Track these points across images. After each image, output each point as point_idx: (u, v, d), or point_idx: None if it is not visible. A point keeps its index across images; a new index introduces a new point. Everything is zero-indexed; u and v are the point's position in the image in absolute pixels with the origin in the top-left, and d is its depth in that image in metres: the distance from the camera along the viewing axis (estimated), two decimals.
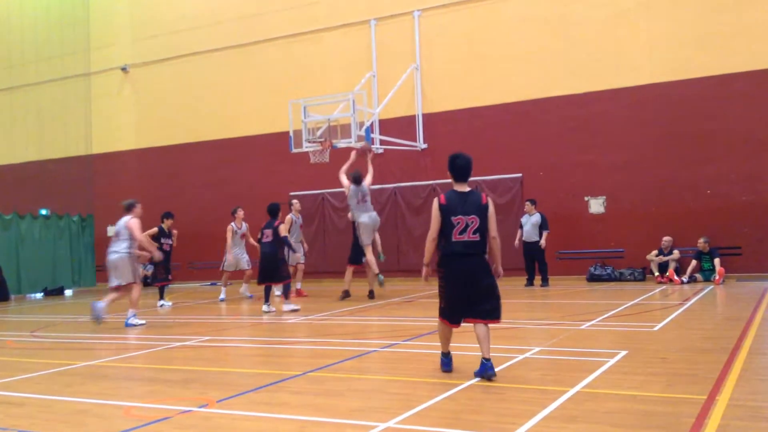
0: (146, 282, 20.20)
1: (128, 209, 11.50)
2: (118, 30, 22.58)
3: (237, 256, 15.02)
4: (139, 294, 11.18)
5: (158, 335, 9.90)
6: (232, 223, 15.02)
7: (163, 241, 14.27)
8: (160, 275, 14.55)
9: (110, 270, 11.09)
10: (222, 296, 14.97)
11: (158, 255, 12.11)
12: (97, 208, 22.13)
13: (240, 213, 15.08)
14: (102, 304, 10.66)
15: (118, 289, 11.02)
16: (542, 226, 14.85)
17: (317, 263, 18.02)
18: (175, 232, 14.92)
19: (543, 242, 14.77)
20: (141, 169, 21.96)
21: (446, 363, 6.24)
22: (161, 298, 14.46)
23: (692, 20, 15.12)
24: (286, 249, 12.53)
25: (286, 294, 12.29)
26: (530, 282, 14.99)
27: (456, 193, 6.18)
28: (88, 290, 20.96)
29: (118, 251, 11.03)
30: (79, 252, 21.05)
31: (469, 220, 6.03)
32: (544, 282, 14.76)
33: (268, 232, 12.35)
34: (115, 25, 22.68)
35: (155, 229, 14.27)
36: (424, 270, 6.29)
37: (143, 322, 11.07)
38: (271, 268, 12.19)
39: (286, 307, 11.98)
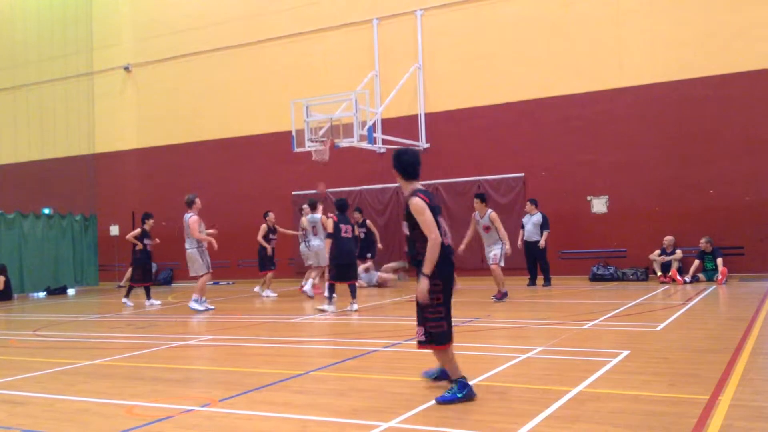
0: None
1: (189, 205, 12.83)
2: (121, 29, 22.61)
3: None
4: (203, 283, 12.85)
5: (160, 334, 9.91)
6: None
7: (146, 242, 14.56)
8: (137, 276, 14.68)
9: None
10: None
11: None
12: (100, 207, 22.17)
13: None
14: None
15: (196, 278, 12.98)
16: (543, 226, 14.67)
17: None
18: (157, 241, 15.15)
19: (542, 242, 14.59)
20: (143, 168, 21.99)
21: (471, 389, 5.15)
22: (127, 296, 14.70)
23: (694, 20, 15.09)
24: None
25: (354, 293, 11.60)
26: (532, 281, 14.93)
27: (429, 192, 5.37)
28: (90, 289, 20.99)
29: (187, 247, 12.85)
30: (81, 251, 21.06)
31: (443, 221, 5.35)
32: (546, 282, 14.71)
33: (347, 227, 11.80)
34: (117, 24, 22.70)
35: (138, 231, 14.60)
36: (429, 286, 5.02)
37: (203, 308, 12.61)
38: (355, 266, 11.94)
39: (354, 306, 11.42)
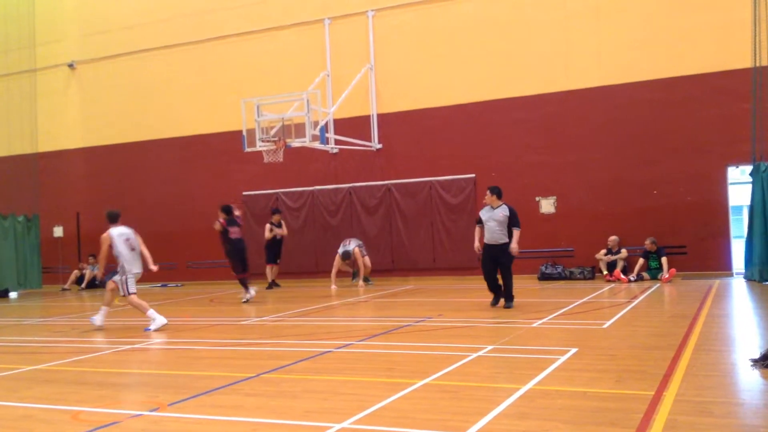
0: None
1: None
2: (65, 25, 21.98)
3: None
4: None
5: (107, 338, 9.69)
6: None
7: None
8: None
9: None
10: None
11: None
12: (43, 207, 21.52)
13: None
14: None
15: None
16: (512, 222, 10.86)
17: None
18: None
19: (514, 245, 10.73)
20: (88, 167, 21.44)
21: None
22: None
23: (639, 24, 15.46)
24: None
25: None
26: (496, 300, 10.92)
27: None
28: (34, 292, 20.38)
29: None
30: (24, 253, 20.43)
31: None
32: (509, 301, 10.79)
33: (234, 229, 13.85)
34: (61, 20, 22.06)
35: None
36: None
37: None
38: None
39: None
